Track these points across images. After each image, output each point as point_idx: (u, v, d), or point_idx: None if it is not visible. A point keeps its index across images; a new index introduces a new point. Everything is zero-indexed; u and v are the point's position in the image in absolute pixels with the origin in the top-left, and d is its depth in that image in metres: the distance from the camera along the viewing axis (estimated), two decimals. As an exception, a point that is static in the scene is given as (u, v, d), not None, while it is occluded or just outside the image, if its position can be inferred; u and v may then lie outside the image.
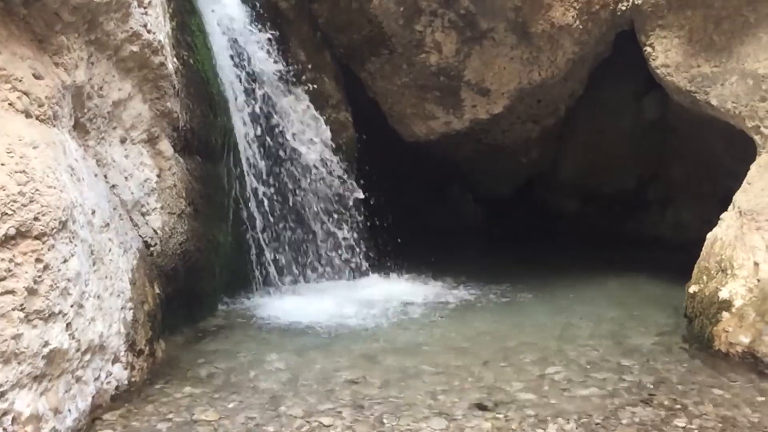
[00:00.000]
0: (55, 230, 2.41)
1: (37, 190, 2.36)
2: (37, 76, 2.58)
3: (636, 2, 5.17)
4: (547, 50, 5.68)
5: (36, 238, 2.32)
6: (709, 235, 4.48)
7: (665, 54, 5.04)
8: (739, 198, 4.33)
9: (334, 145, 5.65)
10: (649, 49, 5.15)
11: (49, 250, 2.37)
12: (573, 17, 5.49)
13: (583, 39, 5.68)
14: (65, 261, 2.45)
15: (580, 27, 5.56)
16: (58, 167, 2.53)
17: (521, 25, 5.44)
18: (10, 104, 2.44)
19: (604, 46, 6.12)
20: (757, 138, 4.49)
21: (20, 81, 2.48)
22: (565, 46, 5.70)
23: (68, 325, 2.44)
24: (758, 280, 3.84)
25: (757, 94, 4.41)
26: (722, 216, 4.49)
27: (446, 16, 5.45)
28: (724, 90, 4.66)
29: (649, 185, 8.29)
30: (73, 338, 2.48)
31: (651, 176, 8.20)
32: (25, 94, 2.49)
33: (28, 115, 2.51)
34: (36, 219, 2.33)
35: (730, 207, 4.45)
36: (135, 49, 3.42)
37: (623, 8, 5.46)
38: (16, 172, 2.32)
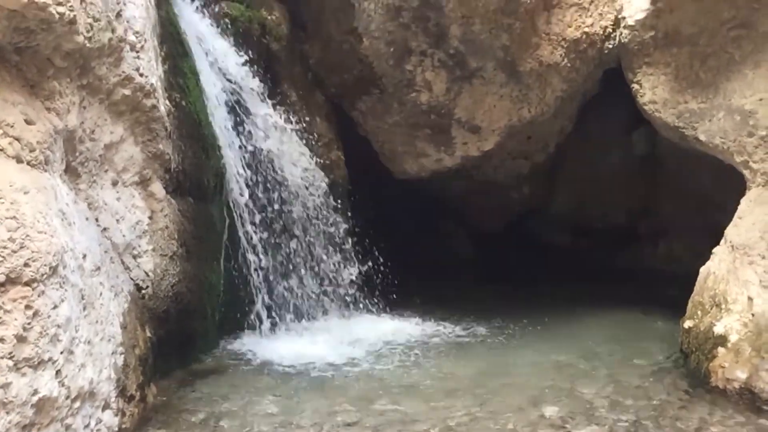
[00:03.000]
0: (45, 276, 2.39)
1: (27, 235, 2.35)
2: (28, 122, 2.58)
3: (622, 41, 5.26)
4: (536, 88, 5.74)
5: (26, 284, 2.30)
6: (702, 270, 4.49)
7: (653, 91, 5.11)
8: (731, 232, 4.36)
9: (326, 184, 5.66)
10: (636, 86, 5.22)
11: (39, 296, 2.34)
12: (561, 56, 5.56)
13: (572, 77, 5.75)
14: (55, 307, 2.43)
15: (568, 65, 5.64)
16: (49, 212, 2.52)
17: (510, 64, 5.51)
18: (1, 150, 2.44)
19: (592, 84, 6.21)
20: (746, 173, 4.53)
21: (12, 126, 2.48)
22: (554, 84, 5.76)
23: (58, 372, 2.40)
24: (752, 315, 3.84)
25: (745, 130, 4.46)
26: (714, 250, 4.51)
27: (436, 55, 5.51)
28: (712, 126, 4.72)
29: (641, 219, 8.32)
30: (63, 385, 2.44)
31: (642, 210, 8.23)
32: (17, 139, 2.49)
33: (19, 160, 2.50)
34: (26, 265, 2.31)
35: (722, 241, 4.47)
36: (127, 92, 3.43)
37: (610, 46, 5.55)
38: (6, 218, 2.30)
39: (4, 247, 2.26)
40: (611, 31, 5.62)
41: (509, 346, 4.77)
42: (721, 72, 4.67)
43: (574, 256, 8.49)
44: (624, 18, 5.22)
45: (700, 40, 4.75)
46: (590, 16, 5.57)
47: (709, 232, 5.07)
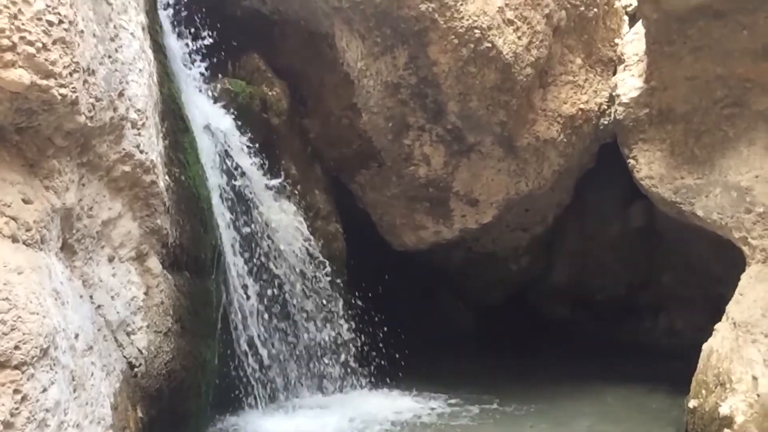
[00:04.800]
0: (35, 358, 2.34)
1: (19, 317, 2.31)
2: (26, 201, 2.57)
3: (617, 117, 5.33)
4: (533, 162, 5.79)
5: (15, 367, 2.25)
6: (705, 347, 4.43)
7: (649, 166, 5.15)
8: (732, 309, 4.31)
9: (324, 257, 5.64)
10: (632, 161, 5.27)
11: (28, 379, 2.29)
12: (557, 131, 5.64)
13: (568, 152, 5.81)
14: (44, 390, 2.37)
15: (565, 140, 5.71)
16: (42, 292, 2.49)
17: (507, 139, 5.57)
18: (-3, 230, 2.43)
19: (589, 158, 6.27)
20: (745, 249, 4.52)
21: (9, 206, 2.47)
22: (551, 159, 5.82)
23: (44, 459, 2.33)
24: (758, 395, 3.76)
25: (742, 206, 4.47)
26: (716, 327, 4.46)
27: (434, 130, 5.58)
28: (709, 201, 4.74)
29: (641, 292, 8.26)
30: (49, 473, 2.36)
31: (642, 283, 8.19)
32: (13, 219, 2.48)
33: (14, 239, 2.49)
34: (17, 348, 2.27)
35: (724, 318, 4.42)
36: (127, 169, 3.45)
37: (605, 122, 5.64)
38: (-1, 299, 2.27)
39: (-5, 330, 2.22)
40: (606, 107, 5.73)
41: (509, 427, 4.65)
42: (716, 149, 4.72)
43: (575, 329, 8.40)
44: (618, 95, 5.32)
45: (694, 118, 4.83)
46: (585, 93, 5.69)
47: (710, 305, 5.04)
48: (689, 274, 7.47)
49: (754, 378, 3.84)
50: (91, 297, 3.21)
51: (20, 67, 2.38)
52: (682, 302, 7.69)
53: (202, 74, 5.02)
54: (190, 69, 4.94)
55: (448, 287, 8.88)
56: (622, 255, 7.98)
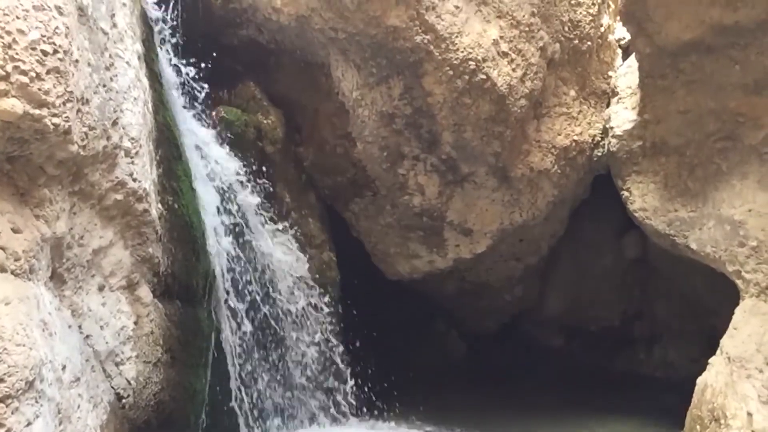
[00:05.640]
0: (20, 391, 2.30)
1: (5, 349, 2.28)
2: (15, 230, 2.56)
3: (611, 149, 5.36)
4: (527, 193, 5.80)
5: (0, 401, 2.21)
6: (699, 381, 4.40)
7: (642, 198, 5.17)
8: (727, 343, 4.30)
9: (317, 287, 5.60)
10: (626, 193, 5.28)
11: (12, 413, 2.25)
12: (551, 162, 5.66)
13: (562, 183, 5.83)
14: (29, 424, 2.33)
15: (559, 171, 5.72)
16: (30, 323, 2.46)
17: (501, 170, 5.59)
18: (-15, 260, 2.40)
19: (583, 189, 6.29)
20: (738, 282, 4.51)
21: (-2, 236, 2.45)
22: (545, 189, 5.83)
23: (26, 495, 2.28)
24: (753, 432, 3.73)
25: (736, 240, 4.48)
26: (711, 361, 4.44)
27: (428, 160, 5.59)
28: (703, 234, 4.75)
29: (634, 322, 8.23)
30: None
31: (635, 313, 8.16)
32: (2, 248, 2.46)
33: (3, 269, 2.46)
34: (1, 381, 2.24)
35: (718, 352, 4.40)
36: (119, 197, 3.43)
37: (599, 154, 5.67)
38: (-16, 331, 2.24)
39: (-20, 362, 2.19)
40: (600, 139, 5.76)
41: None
42: (709, 182, 4.74)
43: (568, 359, 8.35)
44: (612, 128, 5.36)
45: (687, 151, 4.86)
46: (579, 124, 5.72)
47: (705, 337, 5.02)
48: (683, 305, 7.44)
49: (749, 414, 3.82)
50: (79, 327, 3.17)
51: (13, 96, 2.38)
52: (677, 334, 7.66)
53: (197, 102, 5.02)
54: (186, 97, 4.94)
55: (441, 316, 8.83)
56: (615, 286, 7.96)
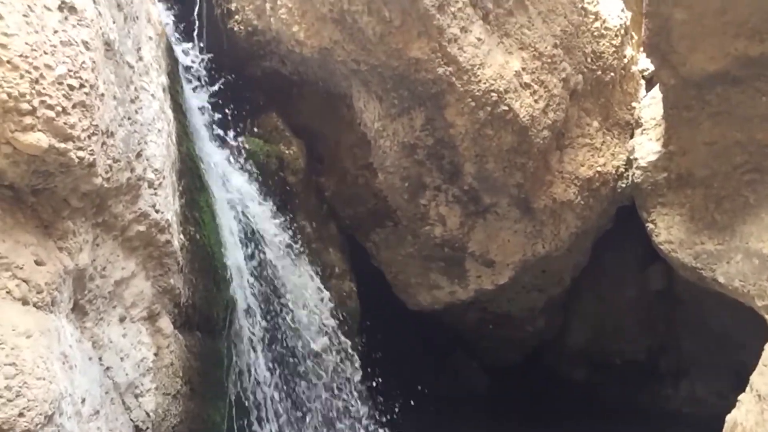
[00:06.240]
0: (39, 425, 2.28)
1: (25, 383, 2.27)
2: (38, 262, 2.56)
3: (635, 181, 5.31)
4: (550, 224, 5.76)
5: (18, 435, 2.20)
6: (729, 418, 4.28)
7: (668, 231, 5.10)
8: (757, 381, 4.18)
9: (338, 316, 5.58)
10: (651, 225, 5.22)
11: (30, 448, 2.23)
12: (574, 193, 5.61)
13: (585, 214, 5.77)
14: (47, 459, 2.31)
15: (582, 203, 5.67)
16: (50, 356, 2.45)
17: (524, 201, 5.55)
18: (8, 292, 2.41)
19: (606, 220, 6.23)
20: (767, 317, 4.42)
21: (21, 268, 2.46)
22: (568, 221, 5.78)
23: None
24: (785, 474, 3.61)
25: (765, 274, 4.39)
26: (740, 398, 4.31)
27: (450, 191, 5.57)
28: (730, 268, 4.66)
29: (660, 356, 8.08)
30: None
31: (661, 347, 8.01)
32: (25, 281, 2.46)
33: (25, 302, 2.46)
34: (21, 415, 2.22)
35: (748, 389, 4.28)
36: (142, 228, 3.44)
37: (623, 185, 5.61)
38: (5, 364, 2.24)
39: (0, 396, 2.18)
40: (624, 170, 5.71)
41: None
42: (737, 214, 4.67)
43: (592, 393, 8.20)
44: (636, 159, 5.30)
45: (714, 183, 4.79)
46: (602, 155, 5.67)
47: (733, 372, 4.90)
48: (710, 339, 7.30)
49: (781, 455, 3.69)
50: (100, 359, 3.16)
51: (39, 130, 2.40)
52: (704, 368, 7.50)
53: (221, 133, 5.07)
54: (210, 128, 4.98)
55: (463, 347, 8.75)
56: (640, 318, 7.83)
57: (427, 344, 8.16)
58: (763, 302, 4.42)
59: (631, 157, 5.46)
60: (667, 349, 8.00)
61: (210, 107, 5.11)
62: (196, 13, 5.42)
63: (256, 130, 5.68)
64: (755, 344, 4.46)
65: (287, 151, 5.62)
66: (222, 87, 5.18)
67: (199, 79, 4.94)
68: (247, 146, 5.22)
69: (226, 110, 5.21)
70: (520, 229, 5.79)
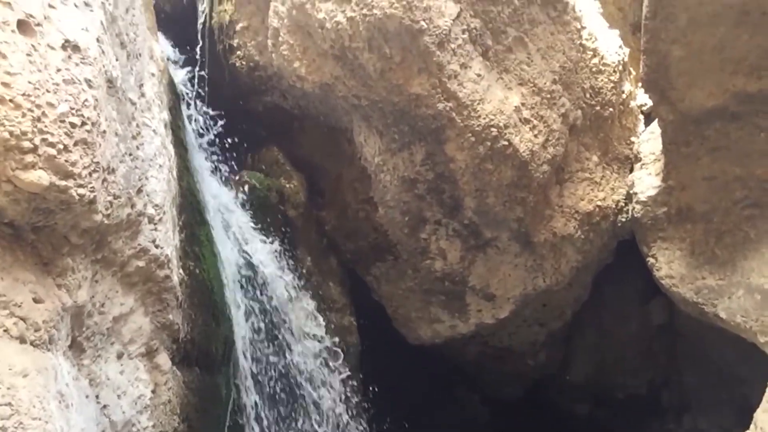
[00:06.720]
0: (34, 467, 2.25)
1: (21, 423, 2.24)
2: (37, 300, 2.55)
3: (635, 215, 5.31)
4: (550, 258, 5.74)
5: (12, 477, 2.17)
6: (733, 457, 4.24)
7: (668, 265, 5.09)
8: (761, 419, 4.13)
9: (338, 351, 5.55)
10: (652, 260, 5.20)
11: (25, 490, 2.20)
12: (574, 228, 5.61)
13: (586, 248, 5.77)
14: (41, 501, 2.27)
15: (582, 237, 5.67)
16: (47, 395, 2.42)
17: (524, 235, 5.54)
18: (5, 330, 2.39)
19: (607, 254, 6.22)
20: (771, 354, 4.38)
21: (19, 306, 2.44)
22: (568, 255, 5.77)
23: None
24: None
25: (767, 310, 4.36)
26: (745, 435, 4.27)
27: (450, 225, 5.57)
28: (732, 303, 4.64)
29: (663, 390, 8.00)
30: None
31: (663, 381, 7.94)
32: (23, 319, 2.45)
33: (22, 340, 2.45)
34: (15, 456, 2.19)
35: (752, 426, 4.23)
36: (141, 264, 3.44)
37: (623, 220, 5.61)
38: (1, 404, 2.21)
39: (-5, 437, 2.15)
40: (624, 205, 5.72)
41: None
42: (737, 249, 4.66)
43: (595, 427, 8.12)
44: (636, 193, 5.31)
45: (714, 218, 4.78)
46: (602, 190, 5.68)
47: (736, 407, 4.84)
48: (712, 373, 7.23)
49: (788, 495, 3.64)
50: (97, 396, 3.13)
51: (40, 168, 2.40)
52: (706, 403, 7.42)
53: (222, 167, 5.09)
54: (211, 162, 5.01)
55: (463, 381, 8.67)
56: (641, 352, 7.77)
57: (428, 378, 8.10)
58: (766, 338, 4.39)
59: (631, 192, 5.46)
60: (670, 383, 7.93)
61: (211, 141, 5.16)
62: (198, 48, 5.50)
63: (257, 164, 5.71)
64: (758, 378, 4.44)
65: (288, 185, 5.64)
66: (223, 122, 5.23)
67: (200, 113, 4.98)
68: (247, 180, 5.25)
69: (227, 144, 5.25)
70: (521, 263, 5.78)
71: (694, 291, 4.90)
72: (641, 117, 6.10)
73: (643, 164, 5.44)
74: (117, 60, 3.06)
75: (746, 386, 5.29)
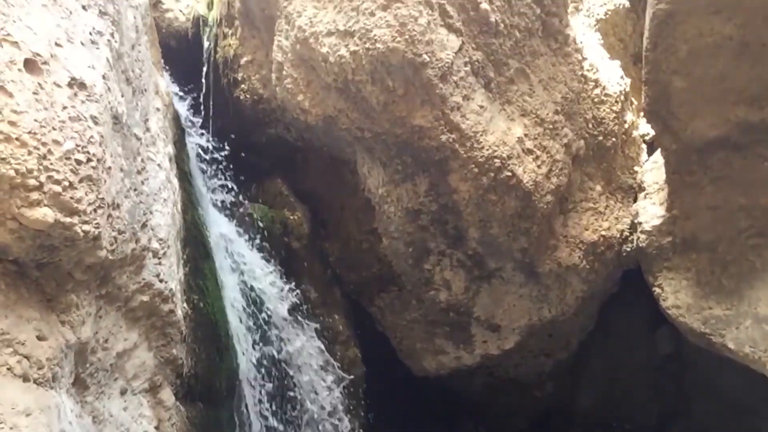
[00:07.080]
0: None
1: (23, 463, 2.22)
2: (40, 338, 2.54)
3: (640, 245, 5.29)
4: (555, 288, 5.71)
5: None
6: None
7: (675, 295, 5.06)
8: (772, 451, 4.08)
9: (343, 383, 5.50)
10: (658, 289, 5.18)
11: None
12: (579, 258, 5.59)
13: (591, 278, 5.74)
14: None
15: (587, 267, 5.64)
16: (50, 434, 2.40)
17: (529, 265, 5.52)
18: (8, 369, 2.38)
19: (612, 283, 6.18)
20: (780, 385, 4.33)
21: (23, 344, 2.43)
22: (573, 285, 5.74)
23: None
24: None
25: (775, 340, 4.33)
26: (756, 469, 4.21)
27: (454, 255, 5.55)
28: (740, 334, 4.60)
29: (672, 421, 7.89)
30: None
31: (672, 412, 7.84)
32: (26, 357, 2.44)
33: (26, 379, 2.43)
34: (17, 498, 2.17)
35: (763, 459, 4.18)
36: (145, 298, 3.43)
37: (628, 249, 5.59)
38: (3, 444, 2.20)
39: (-3, 478, 2.13)
40: (628, 234, 5.70)
41: None
42: (743, 279, 4.63)
43: (604, 459, 8.00)
44: (640, 223, 5.30)
45: (719, 247, 4.77)
46: (606, 220, 5.68)
47: (747, 439, 4.77)
48: (721, 404, 7.14)
49: None
50: (100, 434, 3.10)
51: (45, 205, 2.41)
52: (717, 434, 7.32)
53: (226, 200, 5.11)
54: (215, 195, 5.02)
55: (469, 413, 8.58)
56: (649, 382, 7.69)
57: (434, 410, 8.01)
58: (775, 369, 4.35)
59: (635, 221, 5.46)
60: (678, 413, 7.82)
61: (215, 173, 5.18)
62: (203, 81, 5.55)
63: (260, 195, 5.73)
64: (767, 409, 4.38)
65: (291, 217, 5.65)
66: (227, 154, 5.25)
67: (204, 147, 5.01)
68: (251, 212, 5.25)
69: (231, 176, 5.27)
70: (526, 293, 5.75)
71: (702, 321, 4.86)
72: (644, 146, 6.11)
73: (647, 194, 5.43)
74: (123, 96, 3.09)
75: (756, 417, 5.22)
